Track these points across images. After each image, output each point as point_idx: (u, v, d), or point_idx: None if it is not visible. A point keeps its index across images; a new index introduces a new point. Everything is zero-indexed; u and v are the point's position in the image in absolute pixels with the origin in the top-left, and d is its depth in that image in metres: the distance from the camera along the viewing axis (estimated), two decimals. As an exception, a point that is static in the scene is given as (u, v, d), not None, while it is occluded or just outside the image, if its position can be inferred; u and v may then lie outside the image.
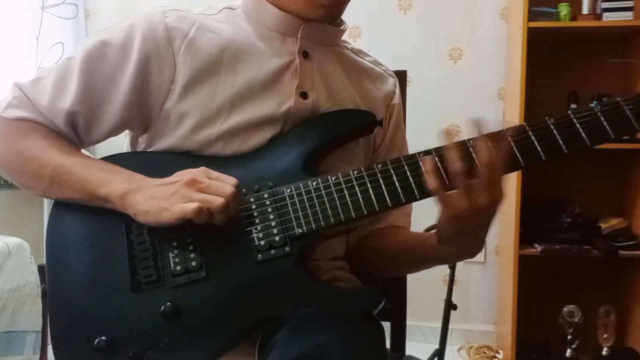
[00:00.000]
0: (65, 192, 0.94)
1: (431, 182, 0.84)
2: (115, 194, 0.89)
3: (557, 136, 0.88)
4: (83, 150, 1.03)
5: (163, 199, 0.85)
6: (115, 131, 1.00)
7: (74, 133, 0.99)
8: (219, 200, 0.83)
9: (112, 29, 0.98)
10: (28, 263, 2.15)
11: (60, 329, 0.91)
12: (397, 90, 1.14)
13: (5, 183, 2.50)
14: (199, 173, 0.86)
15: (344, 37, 1.11)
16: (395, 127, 1.13)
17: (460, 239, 0.91)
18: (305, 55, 1.01)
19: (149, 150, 1.01)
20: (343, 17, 1.07)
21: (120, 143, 1.08)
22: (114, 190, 0.89)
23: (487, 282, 2.85)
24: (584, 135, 0.88)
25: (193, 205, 0.82)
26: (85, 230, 0.94)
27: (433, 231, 0.96)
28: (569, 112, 0.90)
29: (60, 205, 0.96)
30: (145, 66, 0.95)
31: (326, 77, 1.03)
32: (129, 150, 1.08)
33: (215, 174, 0.87)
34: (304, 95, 0.99)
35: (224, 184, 0.86)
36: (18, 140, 0.96)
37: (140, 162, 0.98)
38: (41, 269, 2.01)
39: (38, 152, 0.95)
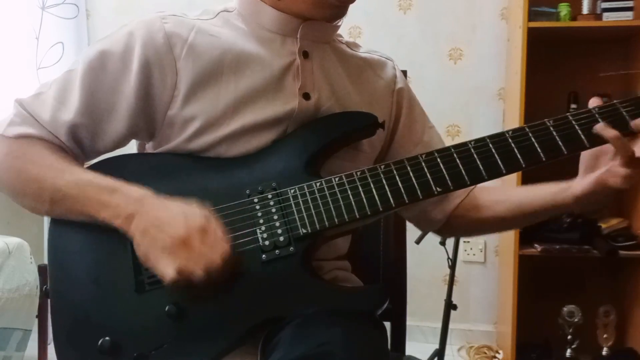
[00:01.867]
0: (68, 215, 0.93)
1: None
2: (113, 220, 0.88)
3: (557, 137, 0.90)
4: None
5: (151, 245, 0.84)
6: (122, 141, 0.99)
7: (78, 146, 0.98)
8: (199, 273, 0.81)
9: (111, 38, 0.97)
10: (28, 263, 2.15)
11: (64, 331, 0.91)
12: (398, 72, 1.14)
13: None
14: (193, 235, 0.82)
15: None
16: (409, 106, 1.14)
17: (609, 198, 0.94)
18: (305, 55, 1.01)
19: (153, 152, 1.01)
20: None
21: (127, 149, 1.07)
22: (111, 216, 0.88)
23: (487, 282, 2.85)
24: (582, 136, 0.90)
25: (170, 277, 0.81)
26: (88, 231, 0.93)
27: (565, 190, 0.98)
28: (568, 114, 0.91)
29: None
30: (147, 74, 0.94)
31: (326, 75, 1.03)
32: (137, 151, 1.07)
33: (212, 235, 0.83)
34: (306, 96, 0.99)
35: (213, 253, 0.82)
36: (19, 160, 0.95)
37: (145, 165, 0.98)
38: (41, 269, 2.02)
39: (37, 175, 0.93)
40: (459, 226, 1.13)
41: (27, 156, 0.95)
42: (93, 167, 0.97)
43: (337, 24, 1.07)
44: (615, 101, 0.91)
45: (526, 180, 2.33)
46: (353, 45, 1.14)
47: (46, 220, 0.96)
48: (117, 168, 0.95)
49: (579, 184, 0.95)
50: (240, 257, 0.87)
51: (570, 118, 0.91)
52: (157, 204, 0.87)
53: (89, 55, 0.96)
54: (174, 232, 0.82)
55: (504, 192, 1.13)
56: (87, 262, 0.92)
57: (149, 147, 1.03)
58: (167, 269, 0.81)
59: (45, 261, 0.95)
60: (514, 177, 2.36)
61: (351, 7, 1.02)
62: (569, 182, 0.97)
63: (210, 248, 0.82)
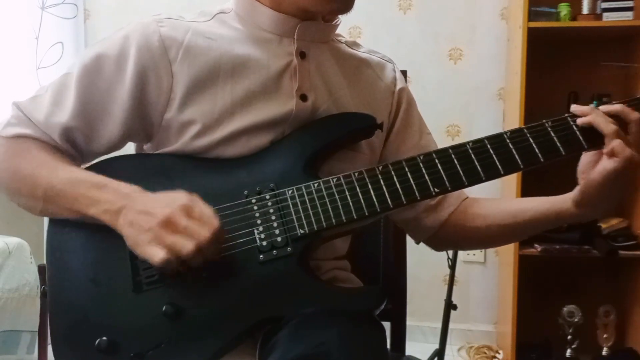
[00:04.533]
0: (60, 212, 0.93)
1: (609, 128, 0.87)
2: (101, 216, 0.88)
3: (555, 139, 0.90)
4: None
5: (139, 231, 0.84)
6: (117, 144, 1.00)
7: (72, 147, 0.99)
8: (189, 247, 0.80)
9: (107, 42, 0.97)
10: (28, 263, 2.15)
11: (61, 330, 0.91)
12: (398, 74, 1.14)
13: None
14: (178, 212, 0.82)
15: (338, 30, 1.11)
16: (407, 108, 1.12)
17: (607, 199, 0.92)
18: (302, 55, 1.01)
19: (152, 153, 1.01)
20: (344, 15, 1.06)
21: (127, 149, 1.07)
22: (99, 212, 0.88)
23: (487, 282, 2.85)
24: (581, 138, 0.90)
25: (160, 256, 0.80)
26: (86, 230, 0.94)
27: (563, 196, 0.97)
28: (566, 114, 0.92)
29: None
30: (142, 78, 0.95)
31: (324, 76, 1.03)
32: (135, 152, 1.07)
33: (197, 211, 0.83)
34: (303, 97, 0.99)
35: (201, 228, 0.81)
36: (14, 160, 0.96)
37: (143, 166, 0.98)
38: (41, 269, 2.02)
39: (31, 172, 0.94)
40: (450, 235, 1.11)
41: (23, 154, 0.96)
42: (91, 167, 0.98)
43: (336, 23, 1.06)
44: (615, 102, 0.91)
45: (526, 179, 2.33)
46: (352, 44, 1.14)
47: (46, 220, 0.97)
48: (115, 169, 0.95)
49: (577, 187, 0.94)
50: (233, 241, 0.87)
51: (569, 119, 0.91)
52: (145, 197, 0.87)
53: (85, 58, 0.97)
54: (157, 214, 0.82)
55: (500, 202, 1.12)
56: (85, 262, 0.92)
57: (148, 149, 1.03)
58: (154, 250, 0.81)
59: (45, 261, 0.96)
60: (513, 177, 2.36)
61: (351, 6, 1.02)
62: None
63: (197, 222, 0.82)
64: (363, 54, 1.13)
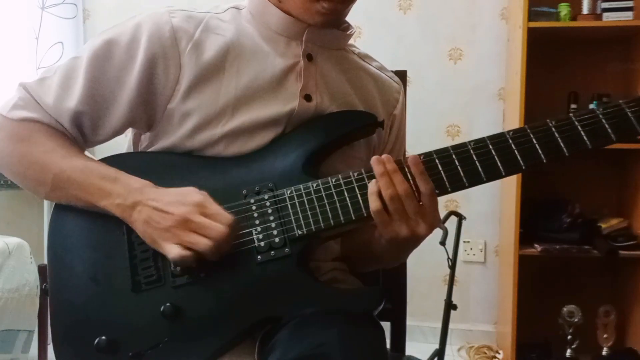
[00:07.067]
0: (67, 199, 0.94)
1: (372, 204, 0.87)
2: (113, 208, 0.90)
3: (559, 138, 0.88)
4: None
5: (156, 229, 0.86)
6: (120, 130, 1.00)
7: (79, 132, 0.99)
8: (207, 244, 0.84)
9: (118, 28, 0.98)
10: (28, 263, 2.15)
11: (62, 329, 0.91)
12: (401, 99, 1.13)
13: (6, 183, 2.51)
14: (193, 210, 0.85)
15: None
16: (394, 139, 1.13)
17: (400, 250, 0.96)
18: (309, 58, 1.01)
19: (151, 149, 1.01)
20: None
21: (121, 141, 1.08)
22: (112, 204, 0.90)
23: (487, 282, 2.85)
24: (585, 138, 0.88)
25: (174, 253, 0.84)
26: (86, 230, 0.94)
27: None
28: (570, 114, 0.91)
29: (62, 206, 0.96)
30: (152, 67, 0.95)
31: (330, 81, 1.03)
32: (130, 147, 1.07)
33: (212, 209, 0.86)
34: (308, 97, 0.99)
35: (217, 224, 0.85)
36: (22, 143, 0.96)
37: (143, 163, 0.98)
38: (41, 269, 2.02)
39: (40, 157, 0.94)
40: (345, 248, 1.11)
41: (32, 139, 0.96)
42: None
43: (349, 33, 1.06)
44: (620, 101, 0.89)
45: (526, 179, 2.33)
46: (365, 56, 1.13)
47: (46, 220, 0.97)
48: (118, 166, 0.95)
49: None
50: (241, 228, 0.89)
51: (573, 119, 0.89)
52: (156, 193, 0.89)
53: (95, 44, 0.97)
54: (173, 212, 0.85)
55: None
56: (86, 261, 0.93)
57: (145, 139, 1.03)
58: (170, 247, 0.84)
59: (45, 261, 0.96)
60: (513, 176, 2.36)
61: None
62: None
63: (212, 218, 0.85)
64: (373, 69, 1.12)
